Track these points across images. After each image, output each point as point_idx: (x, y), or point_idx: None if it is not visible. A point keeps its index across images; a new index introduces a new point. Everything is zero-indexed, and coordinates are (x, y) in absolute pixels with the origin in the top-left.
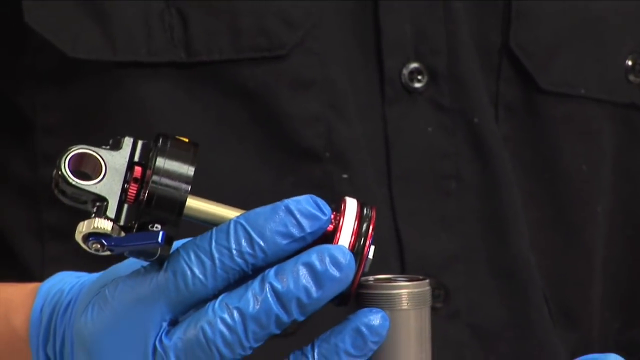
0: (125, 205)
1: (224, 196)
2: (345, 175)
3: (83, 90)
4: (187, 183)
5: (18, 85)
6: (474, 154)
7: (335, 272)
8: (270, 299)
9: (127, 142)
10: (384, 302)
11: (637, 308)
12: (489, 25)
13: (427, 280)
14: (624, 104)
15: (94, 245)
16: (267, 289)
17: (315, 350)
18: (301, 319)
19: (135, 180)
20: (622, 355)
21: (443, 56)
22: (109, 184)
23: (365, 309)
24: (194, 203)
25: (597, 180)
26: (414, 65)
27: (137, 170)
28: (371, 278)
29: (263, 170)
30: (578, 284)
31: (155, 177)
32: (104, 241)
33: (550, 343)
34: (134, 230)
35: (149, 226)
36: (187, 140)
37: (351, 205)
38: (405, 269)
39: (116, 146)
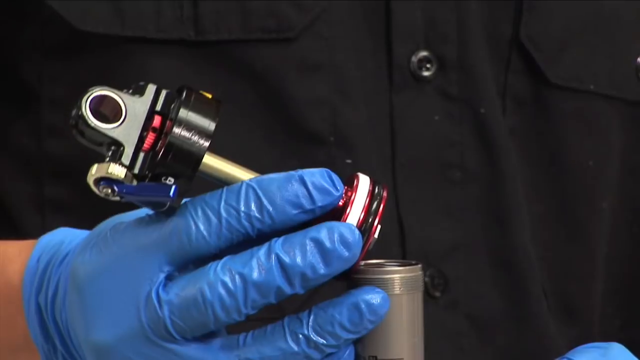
0: (141, 154)
1: None
2: (349, 160)
3: (90, 63)
4: (207, 138)
5: (24, 57)
6: (480, 145)
7: (343, 252)
8: (275, 270)
9: (150, 89)
10: (377, 287)
11: (639, 306)
12: (500, 17)
13: (420, 265)
14: (633, 101)
15: (104, 190)
16: (274, 259)
17: (311, 318)
18: (302, 292)
19: (154, 129)
20: None
21: (453, 45)
22: (127, 130)
23: (368, 287)
24: (210, 160)
25: (603, 177)
26: (423, 53)
27: (157, 119)
28: (362, 263)
29: (267, 151)
30: (580, 280)
31: (175, 129)
32: (115, 187)
33: (549, 336)
34: (147, 180)
35: (162, 178)
36: (210, 96)
37: (364, 181)
38: (406, 256)
39: (138, 92)
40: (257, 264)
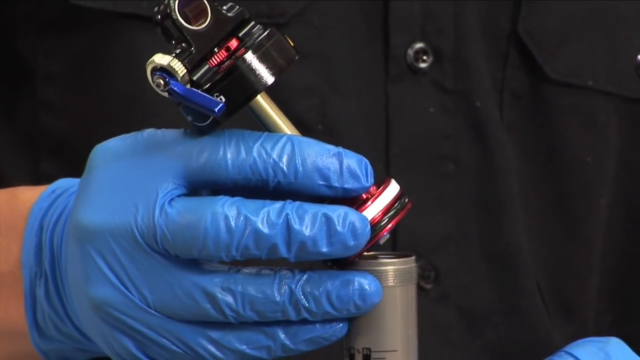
0: (206, 66)
1: None
2: None
3: (84, 39)
4: (272, 76)
5: (19, 32)
6: (474, 138)
7: (349, 239)
8: (280, 228)
9: (242, 13)
10: None
11: (632, 302)
12: (499, 11)
13: (413, 257)
14: (632, 98)
15: (157, 79)
16: (283, 218)
17: (304, 277)
18: (292, 260)
19: (228, 49)
20: None
21: (449, 38)
22: (203, 38)
23: (368, 274)
24: (265, 101)
25: (601, 173)
26: (419, 45)
27: (234, 42)
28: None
29: None
30: (576, 275)
31: (246, 56)
32: (169, 80)
33: (542, 331)
34: (200, 90)
35: (215, 94)
36: (292, 43)
37: (393, 187)
38: (396, 247)
39: (229, 11)
40: (265, 215)
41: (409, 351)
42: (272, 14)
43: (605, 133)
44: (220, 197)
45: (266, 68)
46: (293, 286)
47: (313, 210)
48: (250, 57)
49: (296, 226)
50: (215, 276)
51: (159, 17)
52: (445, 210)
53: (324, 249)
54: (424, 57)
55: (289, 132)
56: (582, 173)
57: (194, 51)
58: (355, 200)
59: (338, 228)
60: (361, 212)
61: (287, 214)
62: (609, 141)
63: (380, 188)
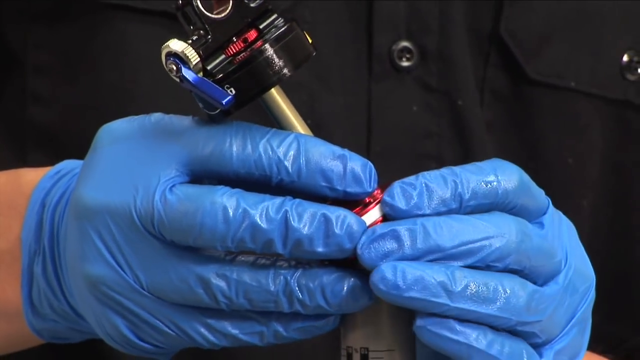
0: (221, 55)
1: None
2: None
3: (74, 31)
4: (288, 71)
5: (9, 23)
6: (456, 136)
7: (345, 243)
8: (277, 224)
9: (264, 6)
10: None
11: (620, 302)
12: (482, 10)
13: None
14: (616, 100)
15: (170, 65)
16: (281, 215)
17: (300, 270)
18: (287, 256)
19: (245, 40)
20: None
21: (434, 36)
22: (222, 27)
23: (361, 274)
24: (278, 95)
25: (583, 175)
26: (404, 43)
27: (253, 33)
28: None
29: None
30: None
31: (263, 49)
32: (182, 67)
33: None
34: (212, 80)
35: (226, 86)
36: (310, 40)
37: None
38: None
39: (252, 1)
40: (264, 210)
41: (407, 350)
42: None
43: (588, 134)
44: (221, 187)
45: (282, 62)
46: (288, 277)
47: (312, 209)
48: (267, 50)
49: (294, 223)
50: (210, 262)
51: (181, 2)
52: None
53: (320, 249)
54: (408, 56)
55: (300, 129)
56: (564, 174)
57: (210, 39)
58: (357, 203)
59: (336, 230)
60: (361, 216)
61: (286, 211)
62: (592, 142)
63: (384, 192)
